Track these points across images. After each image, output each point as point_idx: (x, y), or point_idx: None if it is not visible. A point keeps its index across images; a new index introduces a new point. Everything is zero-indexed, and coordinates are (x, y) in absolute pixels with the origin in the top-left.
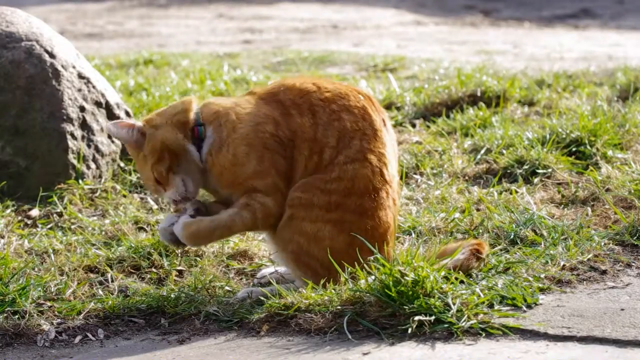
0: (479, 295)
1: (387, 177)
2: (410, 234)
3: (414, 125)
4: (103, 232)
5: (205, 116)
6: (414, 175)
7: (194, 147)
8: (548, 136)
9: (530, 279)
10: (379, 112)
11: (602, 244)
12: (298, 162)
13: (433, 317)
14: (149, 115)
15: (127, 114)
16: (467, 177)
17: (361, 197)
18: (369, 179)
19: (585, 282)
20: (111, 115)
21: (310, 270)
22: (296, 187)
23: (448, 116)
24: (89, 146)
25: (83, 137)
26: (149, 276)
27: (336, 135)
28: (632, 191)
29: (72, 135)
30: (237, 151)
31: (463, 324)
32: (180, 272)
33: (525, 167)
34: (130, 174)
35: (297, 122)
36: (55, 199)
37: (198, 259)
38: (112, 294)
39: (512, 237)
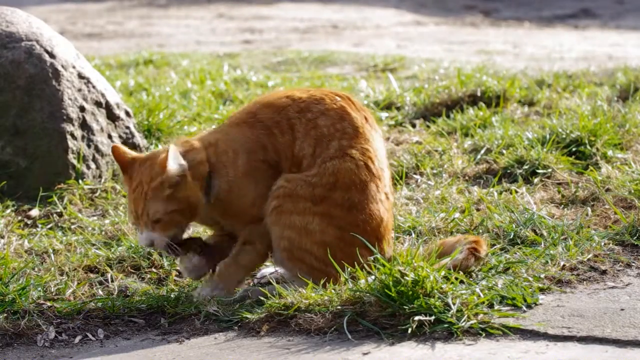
0: (479, 295)
1: (374, 170)
2: (410, 234)
3: (414, 125)
4: (103, 232)
5: (210, 161)
6: (414, 175)
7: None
8: (548, 136)
9: (530, 279)
10: (359, 110)
11: (602, 244)
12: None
13: (433, 317)
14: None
15: (127, 114)
16: (467, 177)
17: (347, 190)
18: (353, 172)
19: (585, 282)
20: (111, 115)
21: (305, 265)
22: (280, 179)
23: (448, 116)
24: (88, 146)
25: (83, 137)
26: (149, 276)
27: (313, 143)
28: (632, 191)
29: (72, 135)
30: (240, 188)
31: (463, 324)
32: (180, 272)
33: (525, 167)
34: None
35: (280, 142)
36: (55, 199)
37: None
38: (112, 294)
39: (512, 237)
